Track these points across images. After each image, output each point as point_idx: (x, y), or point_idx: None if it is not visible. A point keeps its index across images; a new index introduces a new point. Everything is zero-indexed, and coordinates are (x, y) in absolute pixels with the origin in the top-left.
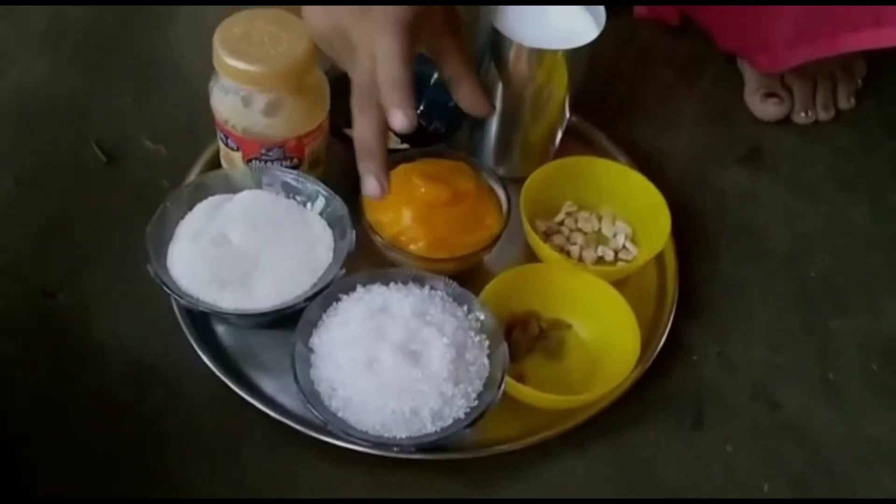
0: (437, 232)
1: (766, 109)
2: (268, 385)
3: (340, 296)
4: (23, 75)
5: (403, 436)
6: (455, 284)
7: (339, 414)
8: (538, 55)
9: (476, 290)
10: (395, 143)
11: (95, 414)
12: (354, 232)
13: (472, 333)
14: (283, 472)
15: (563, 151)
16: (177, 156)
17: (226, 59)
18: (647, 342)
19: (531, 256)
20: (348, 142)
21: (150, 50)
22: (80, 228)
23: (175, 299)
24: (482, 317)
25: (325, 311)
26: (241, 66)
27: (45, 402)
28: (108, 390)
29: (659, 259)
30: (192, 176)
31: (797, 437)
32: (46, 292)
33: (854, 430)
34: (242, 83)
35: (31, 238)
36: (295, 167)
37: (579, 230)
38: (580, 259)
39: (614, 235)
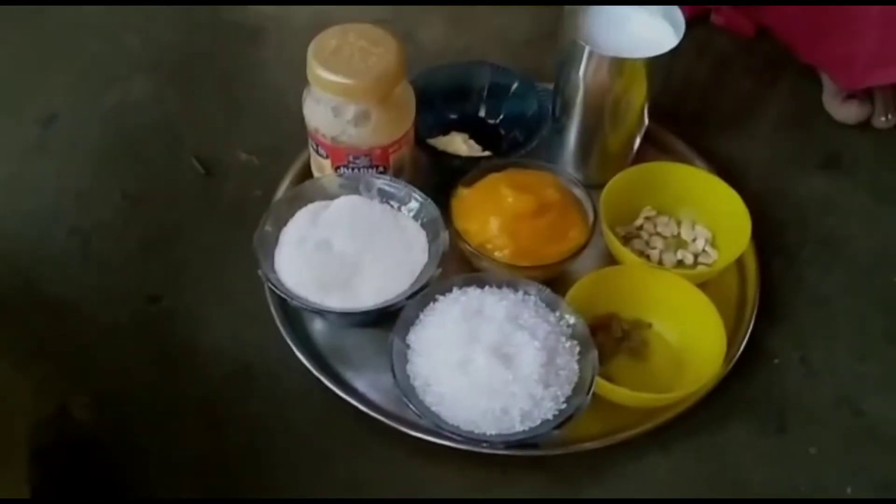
0: (523, 241)
1: (847, 112)
2: (361, 383)
3: (437, 296)
4: (123, 95)
5: (493, 433)
6: (548, 290)
7: (433, 409)
8: (617, 64)
9: (559, 294)
10: (476, 152)
11: (201, 414)
12: (447, 233)
13: (563, 338)
14: (376, 468)
15: (641, 158)
16: (268, 166)
17: (318, 72)
18: (728, 346)
19: (611, 261)
20: (431, 151)
21: (240, 67)
22: (181, 237)
23: (284, 301)
24: (573, 321)
25: (422, 311)
26: (333, 78)
27: (151, 403)
28: (212, 391)
29: (739, 265)
30: (285, 185)
31: (881, 444)
32: (151, 298)
33: None
34: (333, 94)
35: (139, 248)
36: (380, 174)
37: (658, 234)
38: (660, 263)
39: (694, 240)
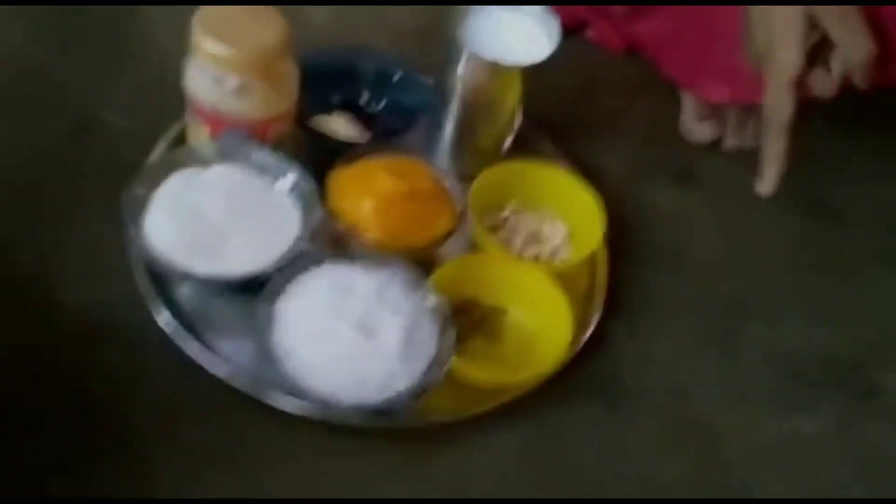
0: (394, 224)
1: (701, 131)
2: (223, 348)
3: (307, 269)
4: None
5: (350, 402)
6: (414, 271)
7: (292, 376)
8: (494, 68)
9: (425, 277)
10: (356, 134)
11: (61, 372)
12: (321, 209)
13: (424, 317)
14: (232, 434)
15: (512, 156)
16: (143, 129)
17: (201, 41)
18: (575, 334)
19: (476, 250)
20: (311, 132)
21: (124, 24)
22: (45, 193)
23: (150, 264)
24: (434, 302)
25: (290, 282)
26: (215, 48)
27: (9, 362)
28: (73, 350)
29: (591, 261)
30: (159, 149)
31: (701, 429)
32: (8, 250)
33: (752, 433)
34: (215, 65)
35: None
36: (259, 147)
37: (521, 228)
38: (520, 254)
39: (552, 234)
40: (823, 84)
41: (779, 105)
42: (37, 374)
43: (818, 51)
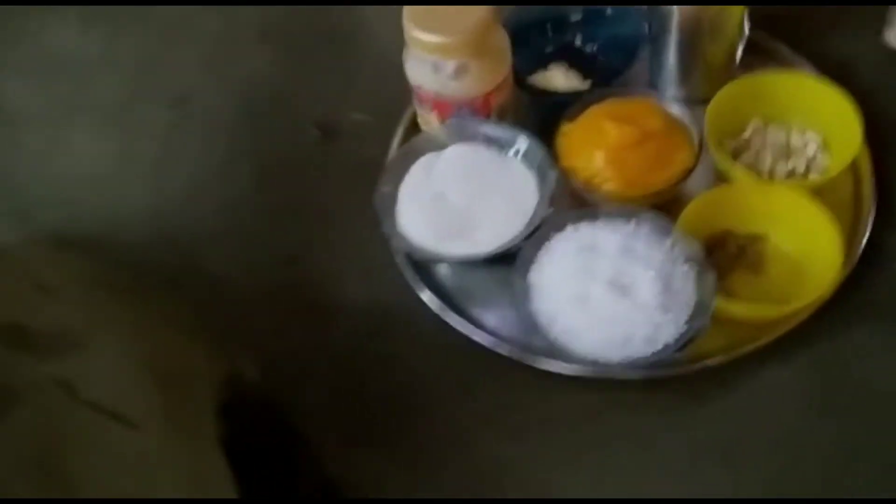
0: (630, 172)
1: None
2: (488, 319)
3: (552, 234)
4: (244, 69)
5: (617, 360)
6: (660, 217)
7: (559, 341)
8: None
9: (671, 219)
10: (577, 82)
11: (346, 364)
12: (556, 171)
13: (678, 264)
14: (507, 399)
15: (744, 67)
16: (380, 124)
17: (415, 33)
18: (846, 251)
19: (721, 178)
20: (530, 90)
21: (343, 30)
22: (308, 201)
23: (408, 254)
24: (687, 246)
25: (538, 250)
26: (429, 38)
27: (303, 357)
28: (355, 342)
29: (853, 167)
30: (396, 141)
31: None
32: (289, 261)
33: None
34: (431, 53)
35: (273, 215)
36: (485, 120)
37: (768, 145)
38: (770, 175)
39: (804, 146)
40: None
41: None
42: (320, 372)
43: None
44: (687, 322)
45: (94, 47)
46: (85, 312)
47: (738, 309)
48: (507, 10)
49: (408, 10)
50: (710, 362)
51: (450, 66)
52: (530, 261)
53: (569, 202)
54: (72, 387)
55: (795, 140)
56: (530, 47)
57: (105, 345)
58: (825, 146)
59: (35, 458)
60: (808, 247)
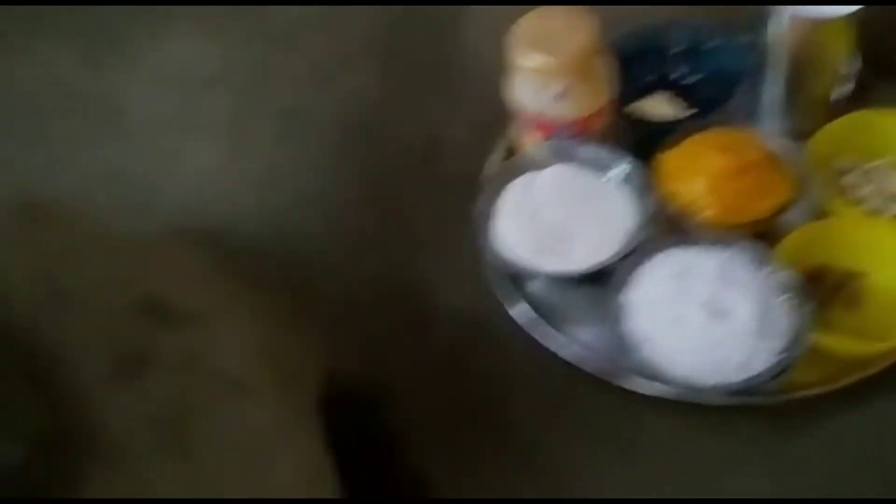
0: (729, 200)
1: None
2: (579, 335)
3: (649, 256)
4: (348, 86)
5: (710, 384)
6: (758, 246)
7: (651, 362)
8: (816, 22)
9: (769, 249)
10: (681, 111)
11: (445, 369)
12: (654, 195)
13: (776, 293)
14: (601, 418)
15: (848, 107)
16: (480, 142)
17: (521, 56)
18: None
19: (819, 213)
20: (631, 117)
21: (444, 50)
22: (411, 214)
23: (504, 268)
24: (785, 276)
25: (634, 271)
26: (533, 62)
27: (403, 360)
28: (453, 349)
29: None
30: (496, 158)
31: None
32: (393, 269)
33: None
34: (537, 77)
35: (377, 227)
36: (585, 143)
37: (869, 184)
38: (876, 212)
39: None
40: None
41: None
42: (426, 373)
43: None
44: (782, 351)
45: (214, 62)
46: (210, 293)
47: (834, 343)
48: (611, 37)
49: (515, 32)
50: (802, 393)
51: (555, 88)
52: (624, 281)
53: (664, 227)
54: (200, 356)
55: None
56: (632, 76)
57: (227, 324)
58: None
59: (161, 416)
60: None
